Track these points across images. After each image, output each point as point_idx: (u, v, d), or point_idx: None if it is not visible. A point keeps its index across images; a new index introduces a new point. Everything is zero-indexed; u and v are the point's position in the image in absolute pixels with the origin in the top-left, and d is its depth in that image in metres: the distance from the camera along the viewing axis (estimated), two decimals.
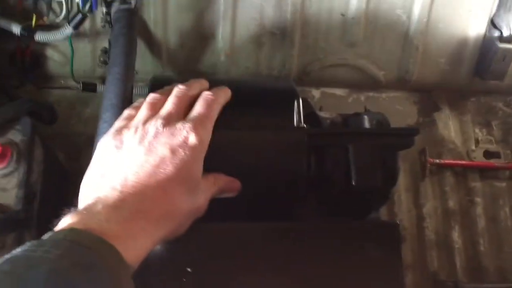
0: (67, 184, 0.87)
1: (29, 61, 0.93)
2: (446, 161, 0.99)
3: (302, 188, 0.62)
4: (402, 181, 0.99)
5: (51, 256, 0.40)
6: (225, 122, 0.60)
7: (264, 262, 0.57)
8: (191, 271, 0.55)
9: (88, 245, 0.42)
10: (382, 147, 0.64)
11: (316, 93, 1.05)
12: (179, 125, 0.55)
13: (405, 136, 0.66)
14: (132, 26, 0.80)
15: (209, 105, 0.58)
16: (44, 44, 0.94)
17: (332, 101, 1.04)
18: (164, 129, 0.54)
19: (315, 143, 0.63)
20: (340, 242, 0.60)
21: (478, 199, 0.98)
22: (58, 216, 0.48)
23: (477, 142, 1.03)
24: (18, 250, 0.41)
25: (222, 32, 0.95)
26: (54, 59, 0.97)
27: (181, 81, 0.64)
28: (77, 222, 0.46)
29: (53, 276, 0.38)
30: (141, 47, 0.95)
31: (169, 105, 0.58)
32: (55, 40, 0.88)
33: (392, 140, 0.66)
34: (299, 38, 0.97)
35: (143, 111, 0.58)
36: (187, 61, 0.99)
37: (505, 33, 0.97)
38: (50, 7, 0.88)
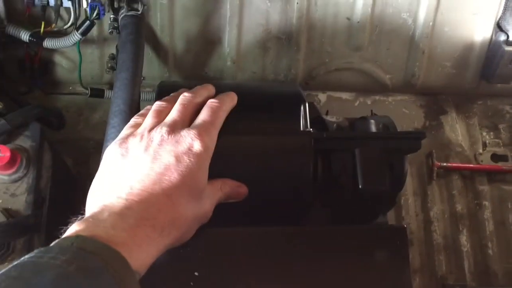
0: (75, 189, 0.88)
1: (37, 68, 0.94)
2: (454, 165, 0.99)
3: (308, 192, 0.62)
4: (409, 184, 0.98)
5: (58, 262, 0.40)
6: (232, 127, 0.60)
7: (271, 266, 0.57)
8: (198, 275, 0.55)
9: (94, 251, 0.43)
10: (389, 151, 0.64)
11: (322, 97, 1.05)
12: (184, 133, 0.55)
13: (412, 139, 0.66)
14: (139, 32, 0.81)
15: (214, 112, 0.59)
16: (52, 51, 0.95)
17: (338, 105, 1.04)
18: (169, 136, 0.55)
19: (321, 147, 0.63)
20: (347, 246, 0.60)
21: (486, 203, 0.98)
22: (66, 221, 0.49)
23: (484, 145, 1.03)
24: (26, 257, 0.42)
25: (229, 38, 0.96)
26: (62, 65, 0.98)
27: (188, 87, 0.65)
28: (83, 229, 0.46)
29: (60, 281, 0.39)
30: (148, 53, 0.96)
31: (174, 113, 0.58)
32: (63, 47, 0.89)
33: (399, 144, 0.66)
34: (305, 43, 0.98)
35: (149, 118, 0.58)
36: (193, 67, 0.99)
37: None
38: (58, 14, 0.88)
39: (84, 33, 0.86)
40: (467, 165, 1.00)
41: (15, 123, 0.72)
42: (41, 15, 0.88)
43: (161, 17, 0.94)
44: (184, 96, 0.60)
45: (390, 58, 1.01)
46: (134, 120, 0.61)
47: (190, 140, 0.54)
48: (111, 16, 0.87)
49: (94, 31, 0.91)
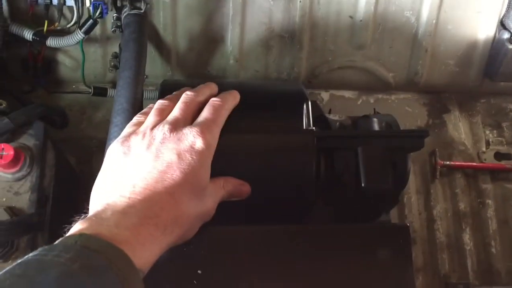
0: (78, 188, 0.88)
1: (40, 66, 0.94)
2: (457, 163, 0.99)
3: (311, 190, 0.62)
4: (412, 183, 0.98)
5: (62, 260, 0.40)
6: (234, 125, 0.60)
7: (273, 264, 0.58)
8: (201, 273, 0.55)
9: (98, 249, 0.43)
10: (391, 149, 0.64)
11: (325, 95, 1.05)
12: (186, 130, 0.55)
13: (415, 138, 0.66)
14: (142, 31, 0.81)
15: (216, 110, 0.59)
16: (55, 50, 0.95)
17: (341, 104, 1.04)
18: (171, 134, 0.55)
19: (324, 145, 0.63)
20: (350, 245, 0.60)
21: (489, 201, 0.98)
22: (70, 220, 0.49)
23: (487, 143, 1.03)
24: (30, 255, 0.42)
25: (231, 36, 0.96)
26: (66, 64, 0.98)
27: (191, 85, 0.65)
28: (87, 228, 0.46)
29: (64, 279, 0.39)
30: (150, 52, 0.96)
31: (176, 111, 0.58)
32: (67, 45, 0.89)
33: (402, 142, 0.65)
34: (308, 41, 0.98)
35: (151, 117, 0.59)
36: (196, 65, 0.99)
37: None
38: (61, 13, 0.88)
39: (87, 32, 0.86)
40: (470, 163, 0.99)
41: (18, 121, 0.73)
42: (44, 13, 0.88)
43: (164, 16, 0.94)
44: (187, 95, 0.61)
45: (393, 56, 1.00)
46: (136, 118, 0.61)
47: (192, 138, 0.54)
48: (114, 14, 0.88)
49: (97, 29, 0.92)
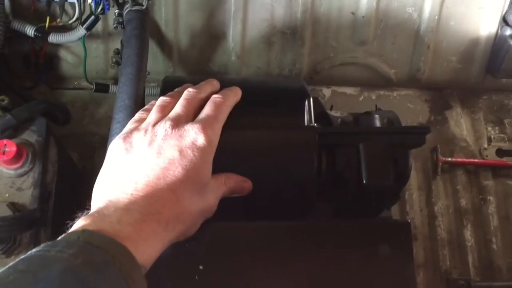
0: (81, 184, 0.89)
1: (42, 63, 0.95)
2: (458, 160, 0.99)
3: (312, 187, 0.62)
4: (414, 179, 0.98)
5: (65, 255, 0.41)
6: (236, 121, 0.60)
7: (274, 260, 0.58)
8: (203, 269, 0.56)
9: (101, 245, 0.43)
10: (393, 146, 0.64)
11: (326, 92, 1.05)
12: (187, 127, 0.55)
13: (417, 134, 0.66)
14: (144, 27, 0.81)
15: (217, 106, 0.59)
16: (57, 46, 0.96)
17: (343, 100, 1.04)
18: (173, 131, 0.55)
19: (325, 142, 0.63)
20: (351, 241, 0.60)
21: (491, 198, 0.98)
22: (72, 216, 0.49)
23: (489, 140, 1.03)
24: (33, 251, 0.42)
25: (233, 32, 0.96)
26: (68, 60, 0.98)
27: (193, 82, 0.65)
28: (89, 224, 0.46)
29: (67, 275, 0.39)
30: (152, 48, 0.96)
31: (178, 108, 0.59)
32: (68, 42, 0.89)
33: (404, 139, 0.65)
34: (310, 37, 0.97)
35: (153, 113, 0.59)
36: (198, 61, 0.99)
37: None
38: (63, 9, 0.88)
39: (89, 28, 0.87)
40: (472, 160, 1.00)
41: (21, 118, 0.73)
42: (46, 10, 0.88)
43: (166, 12, 0.94)
44: (189, 92, 0.61)
45: (395, 52, 1.00)
46: (138, 115, 0.61)
47: (194, 134, 0.54)
48: (116, 11, 0.88)
49: (99, 26, 0.92)
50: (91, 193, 0.54)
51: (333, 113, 0.71)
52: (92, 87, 0.96)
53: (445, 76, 1.03)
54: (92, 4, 0.85)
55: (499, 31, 0.98)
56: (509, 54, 0.96)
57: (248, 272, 0.57)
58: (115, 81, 0.99)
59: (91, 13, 0.85)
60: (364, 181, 0.62)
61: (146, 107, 0.62)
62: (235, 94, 0.62)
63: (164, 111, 0.59)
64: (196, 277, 0.55)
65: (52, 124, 0.80)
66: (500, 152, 1.01)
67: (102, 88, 0.97)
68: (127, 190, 0.51)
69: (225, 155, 0.57)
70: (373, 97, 1.05)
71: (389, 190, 0.65)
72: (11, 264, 0.40)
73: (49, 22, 0.88)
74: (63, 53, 0.97)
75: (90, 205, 0.53)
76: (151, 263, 0.48)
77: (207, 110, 0.59)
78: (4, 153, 0.68)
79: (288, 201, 0.63)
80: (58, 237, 0.45)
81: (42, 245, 0.43)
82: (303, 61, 1.00)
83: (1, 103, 0.75)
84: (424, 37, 0.98)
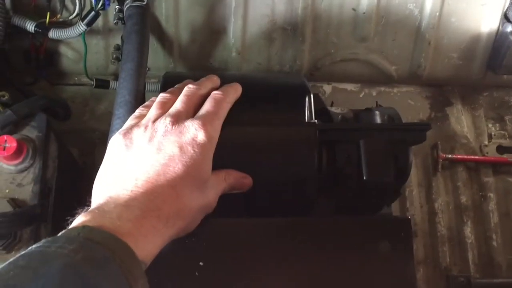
0: (81, 179, 0.89)
1: (43, 58, 0.95)
2: (459, 156, 0.99)
3: (313, 183, 0.62)
4: (414, 176, 0.99)
5: (65, 251, 0.41)
6: (236, 118, 0.60)
7: (274, 256, 0.58)
8: (203, 265, 0.56)
9: (101, 241, 0.43)
10: (393, 143, 0.64)
11: (327, 88, 1.05)
12: (187, 123, 0.55)
13: (417, 131, 0.66)
14: (145, 23, 0.81)
15: (218, 103, 0.59)
16: (57, 41, 0.96)
17: (344, 96, 1.04)
18: (173, 127, 0.55)
19: (326, 138, 0.63)
20: (351, 238, 0.60)
21: (491, 194, 0.98)
22: (72, 212, 0.49)
23: (490, 137, 1.03)
24: (33, 247, 0.42)
25: (234, 28, 0.96)
26: (68, 56, 0.98)
27: (193, 78, 0.65)
28: (90, 220, 0.46)
29: (67, 270, 0.39)
30: (153, 44, 0.96)
31: (178, 104, 0.58)
32: (69, 37, 0.89)
33: (404, 136, 0.65)
34: (310, 33, 0.97)
35: (153, 110, 0.59)
36: (198, 57, 0.99)
37: None
38: (63, 5, 0.88)
39: (89, 24, 0.86)
40: (472, 157, 1.00)
41: (21, 113, 0.73)
42: (47, 5, 0.88)
43: (166, 8, 0.93)
44: (189, 88, 0.61)
45: (396, 49, 1.00)
46: (139, 111, 0.61)
47: (194, 131, 0.54)
48: (116, 6, 0.87)
49: (99, 21, 0.92)
50: (91, 189, 0.55)
51: (333, 109, 0.71)
52: (92, 83, 0.96)
53: (446, 72, 1.03)
54: (92, 0, 0.84)
55: (500, 27, 0.98)
56: (510, 50, 0.96)
57: (248, 268, 0.57)
58: (116, 77, 0.99)
59: (92, 9, 0.85)
60: (364, 178, 0.62)
61: (146, 103, 0.62)
62: (235, 91, 0.62)
63: (164, 107, 0.59)
64: (196, 273, 0.55)
65: (52, 120, 0.80)
66: (500, 149, 1.01)
67: (103, 84, 0.97)
68: (127, 186, 0.51)
69: (225, 152, 0.57)
70: (374, 94, 1.05)
71: (389, 187, 0.65)
72: (11, 259, 0.40)
73: (50, 18, 0.88)
74: (63, 49, 0.97)
75: (90, 201, 0.53)
76: (151, 259, 0.49)
77: (207, 106, 0.59)
78: (4, 149, 0.68)
79: (289, 197, 0.63)
80: (58, 233, 0.45)
81: (43, 241, 0.43)
82: (304, 57, 0.99)
83: (1, 99, 0.75)
84: (425, 33, 0.98)
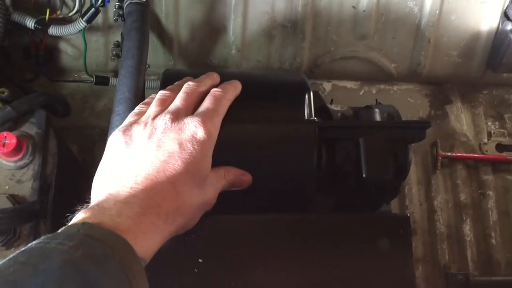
0: (81, 176, 0.89)
1: (42, 55, 0.94)
2: (458, 154, 0.99)
3: (312, 181, 0.62)
4: (414, 174, 0.99)
5: (65, 248, 0.41)
6: (236, 115, 0.60)
7: (274, 253, 0.58)
8: (203, 262, 0.56)
9: (101, 238, 0.43)
10: (393, 140, 0.64)
11: (327, 85, 1.05)
12: (187, 120, 0.55)
13: (417, 129, 0.66)
14: (144, 20, 0.81)
15: (217, 100, 0.59)
16: (57, 38, 0.95)
17: (343, 94, 1.04)
18: (173, 124, 0.55)
19: (326, 136, 0.63)
20: (350, 235, 0.60)
21: (490, 192, 0.98)
22: (72, 209, 0.50)
23: (489, 135, 1.03)
24: (33, 243, 0.42)
25: (233, 26, 0.96)
26: (68, 52, 0.98)
27: (193, 75, 0.65)
28: (89, 217, 0.46)
29: (67, 267, 0.39)
30: (153, 41, 0.96)
31: (178, 101, 0.59)
32: (69, 34, 0.89)
33: (404, 133, 0.66)
34: (310, 31, 0.97)
35: (153, 107, 0.59)
36: (198, 55, 0.99)
37: None
38: (63, 1, 0.88)
39: (89, 21, 0.86)
40: (472, 155, 1.00)
41: (21, 110, 0.73)
42: (47, 2, 0.88)
43: (166, 5, 0.93)
44: (188, 85, 0.61)
45: (395, 47, 1.00)
46: (138, 108, 0.61)
47: (193, 128, 0.54)
48: (116, 3, 0.87)
49: (99, 18, 0.91)
50: (91, 185, 0.55)
51: (333, 107, 0.71)
52: (92, 79, 0.96)
53: (446, 70, 1.03)
54: None
55: (500, 25, 0.98)
56: (510, 48, 0.96)
57: (248, 265, 0.57)
58: (115, 73, 0.99)
59: (91, 6, 0.85)
60: (364, 175, 0.62)
61: (146, 100, 0.62)
62: (235, 88, 0.62)
63: (164, 105, 0.59)
64: (196, 270, 0.55)
65: (52, 117, 0.80)
66: (500, 147, 1.01)
67: (102, 80, 0.97)
68: (127, 183, 0.51)
69: (224, 149, 0.57)
70: (374, 91, 1.05)
71: (388, 184, 0.65)
72: (11, 256, 0.41)
73: (49, 15, 0.88)
74: (63, 46, 0.97)
75: (90, 198, 0.53)
76: (150, 256, 0.49)
77: (206, 103, 0.59)
78: (4, 145, 0.68)
79: (288, 194, 0.63)
80: (58, 229, 0.45)
81: (42, 237, 0.43)
82: (304, 54, 0.99)
83: (1, 95, 0.75)
84: (425, 31, 0.98)
